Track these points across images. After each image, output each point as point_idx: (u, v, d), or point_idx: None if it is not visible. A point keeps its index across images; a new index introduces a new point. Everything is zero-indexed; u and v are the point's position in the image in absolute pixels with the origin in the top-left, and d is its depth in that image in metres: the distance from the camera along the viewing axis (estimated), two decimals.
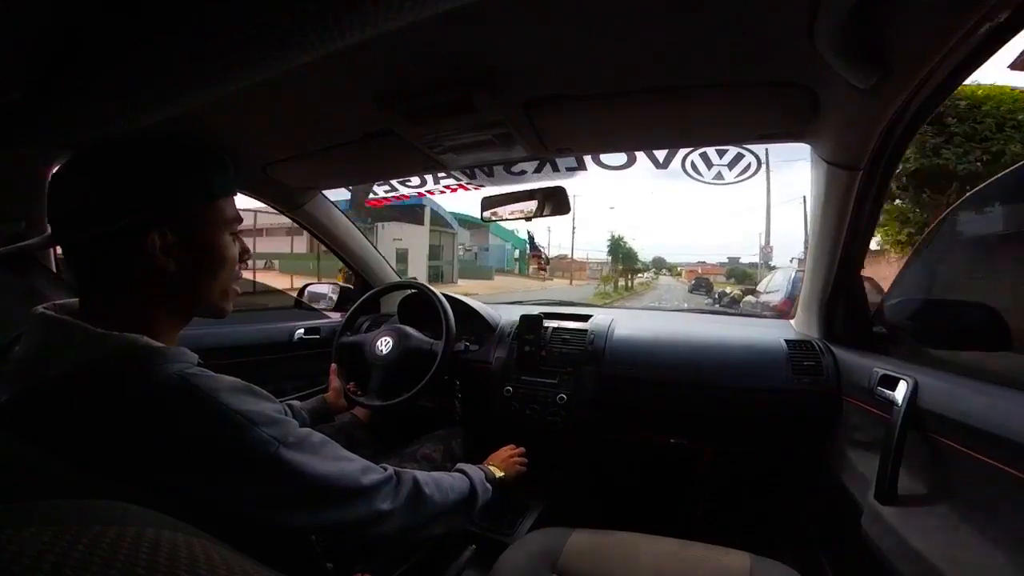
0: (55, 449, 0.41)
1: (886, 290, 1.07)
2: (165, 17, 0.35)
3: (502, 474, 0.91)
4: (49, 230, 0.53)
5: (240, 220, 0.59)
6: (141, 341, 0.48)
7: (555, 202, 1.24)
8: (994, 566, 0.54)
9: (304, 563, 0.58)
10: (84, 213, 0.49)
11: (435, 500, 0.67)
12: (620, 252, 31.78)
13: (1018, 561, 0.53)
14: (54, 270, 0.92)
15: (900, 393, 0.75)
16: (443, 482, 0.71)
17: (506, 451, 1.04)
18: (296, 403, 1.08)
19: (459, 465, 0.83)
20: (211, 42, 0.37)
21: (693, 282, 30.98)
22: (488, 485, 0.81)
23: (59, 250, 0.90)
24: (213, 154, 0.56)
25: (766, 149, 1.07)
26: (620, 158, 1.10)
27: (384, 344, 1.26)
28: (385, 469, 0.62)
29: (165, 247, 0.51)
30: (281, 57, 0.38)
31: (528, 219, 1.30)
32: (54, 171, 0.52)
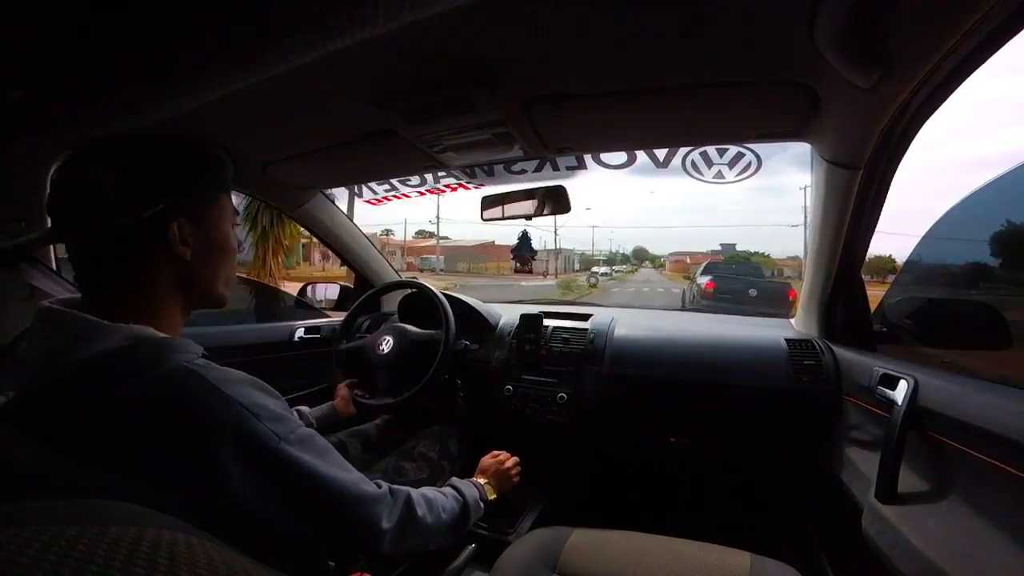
0: (62, 445, 0.41)
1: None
2: (165, 17, 0.35)
3: (495, 496, 0.88)
4: (51, 225, 0.53)
5: (237, 213, 0.63)
6: (149, 332, 0.49)
7: (555, 201, 1.24)
8: (994, 565, 0.54)
9: (304, 563, 0.58)
10: (106, 205, 0.49)
11: (426, 522, 0.65)
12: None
13: (1018, 560, 0.53)
14: (54, 267, 0.92)
15: (900, 392, 0.75)
16: (435, 503, 0.69)
17: (498, 464, 0.97)
18: (305, 409, 1.08)
19: (452, 481, 0.80)
20: (211, 42, 0.37)
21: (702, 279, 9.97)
22: (481, 504, 0.80)
23: (59, 247, 0.90)
24: (215, 150, 0.59)
25: None
26: (620, 157, 1.10)
27: (385, 344, 1.26)
28: (379, 486, 0.61)
29: (183, 237, 0.53)
30: (281, 57, 0.38)
31: (528, 218, 1.30)
32: (59, 166, 0.52)
